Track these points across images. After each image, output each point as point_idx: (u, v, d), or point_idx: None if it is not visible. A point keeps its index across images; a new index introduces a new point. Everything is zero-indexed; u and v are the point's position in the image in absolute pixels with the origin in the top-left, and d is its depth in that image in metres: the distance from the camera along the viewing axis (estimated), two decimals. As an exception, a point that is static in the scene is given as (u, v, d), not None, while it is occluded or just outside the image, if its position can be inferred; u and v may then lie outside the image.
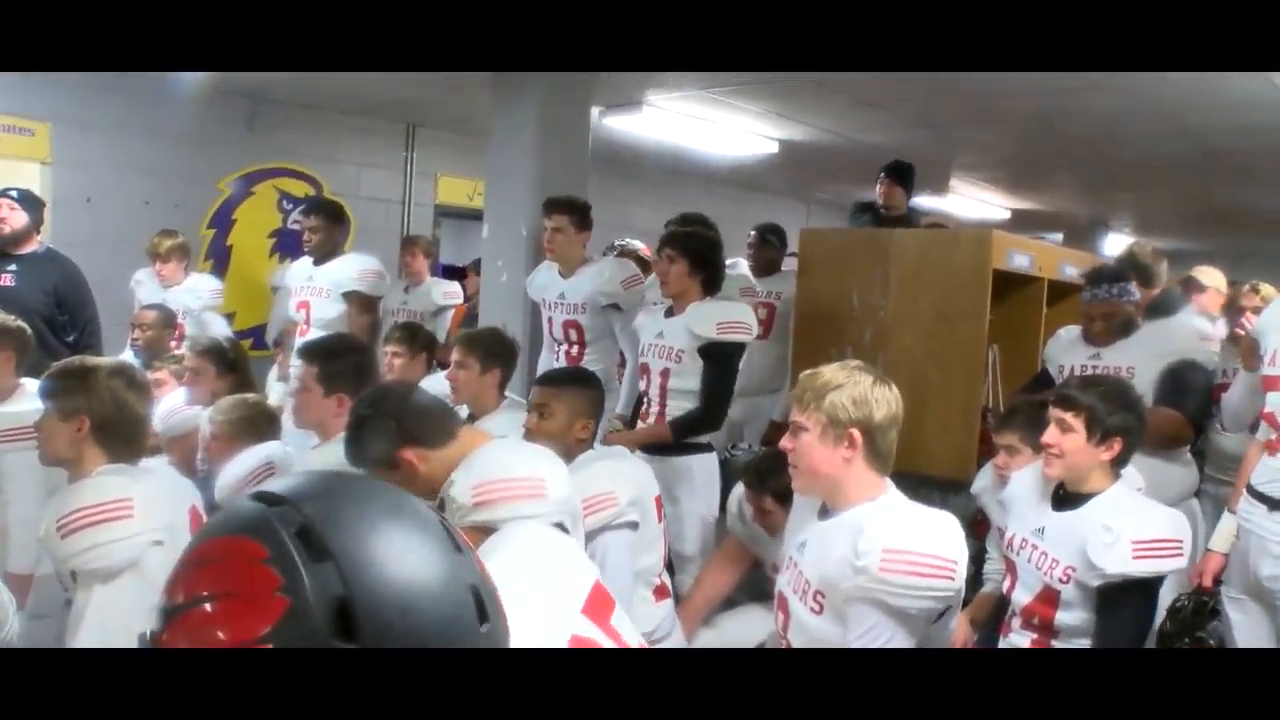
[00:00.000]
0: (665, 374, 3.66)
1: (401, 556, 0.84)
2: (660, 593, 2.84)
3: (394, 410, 2.06)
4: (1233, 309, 4.42)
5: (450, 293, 5.67)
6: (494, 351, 3.23)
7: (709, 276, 3.71)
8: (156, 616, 0.85)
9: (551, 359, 4.35)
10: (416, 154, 7.30)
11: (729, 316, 3.64)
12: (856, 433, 2.04)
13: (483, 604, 0.87)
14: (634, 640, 1.42)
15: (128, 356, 4.25)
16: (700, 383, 3.59)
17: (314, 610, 0.79)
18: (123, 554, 2.14)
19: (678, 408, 3.63)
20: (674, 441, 3.57)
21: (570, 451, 2.66)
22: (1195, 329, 3.60)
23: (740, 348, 3.66)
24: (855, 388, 2.05)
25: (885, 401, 2.08)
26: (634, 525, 2.63)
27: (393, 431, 2.04)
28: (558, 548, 1.63)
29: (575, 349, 4.25)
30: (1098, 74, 5.04)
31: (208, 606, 0.81)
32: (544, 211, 4.27)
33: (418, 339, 3.99)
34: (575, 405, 2.78)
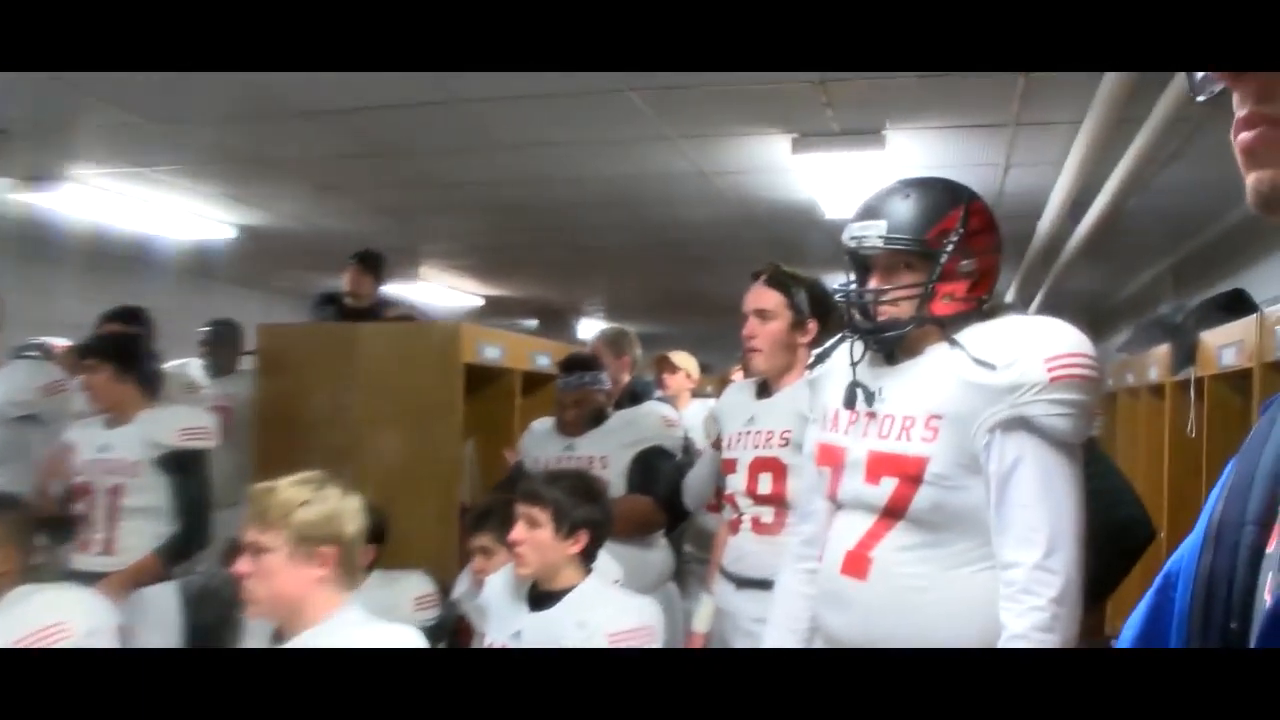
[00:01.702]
0: (116, 491, 3.49)
1: None
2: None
3: None
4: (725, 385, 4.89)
5: None
6: None
7: (142, 378, 3.59)
8: None
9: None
10: None
11: (192, 422, 3.61)
12: (329, 550, 2.09)
13: None
14: None
15: None
16: (172, 499, 3.51)
17: None
18: None
19: (134, 530, 3.48)
20: (166, 571, 3.45)
21: None
22: (661, 415, 3.92)
23: (206, 455, 3.59)
24: (324, 502, 2.10)
25: (355, 514, 2.14)
26: None
27: None
28: None
29: (-21, 472, 3.79)
30: (563, 168, 5.50)
31: None
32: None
33: None
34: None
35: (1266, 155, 0.67)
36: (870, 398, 2.04)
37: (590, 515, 2.64)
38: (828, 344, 2.30)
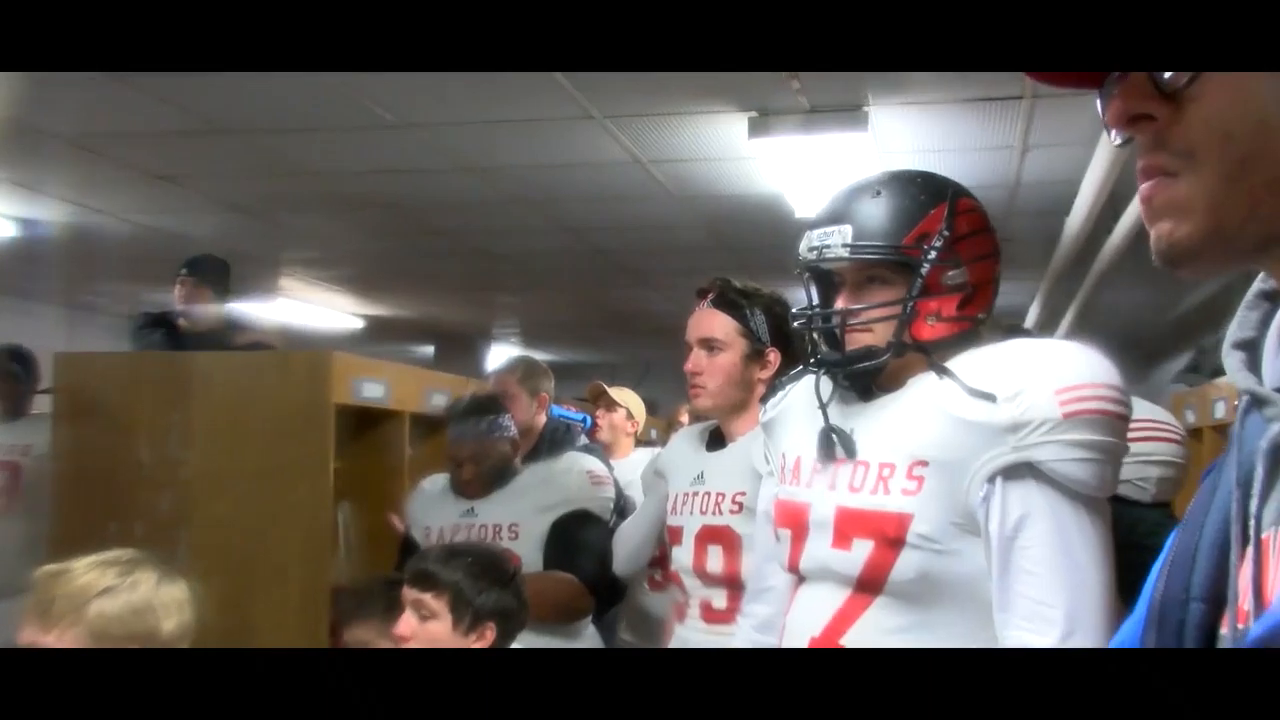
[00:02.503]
0: None
1: None
2: None
3: None
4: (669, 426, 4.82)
5: None
6: None
7: None
8: None
9: None
10: None
11: None
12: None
13: None
14: None
15: None
16: None
17: None
18: None
19: None
20: None
21: None
22: (586, 470, 3.93)
23: None
24: (132, 590, 2.10)
25: (175, 606, 2.14)
26: None
27: None
28: None
29: None
30: (461, 155, 5.54)
31: None
32: None
33: None
34: None
35: (1162, 207, 0.77)
36: (851, 448, 2.07)
37: (499, 602, 2.68)
38: (784, 379, 2.34)
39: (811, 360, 2.16)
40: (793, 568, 2.20)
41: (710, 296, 2.97)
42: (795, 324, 2.18)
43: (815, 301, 2.16)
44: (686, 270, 7.79)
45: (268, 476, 4.15)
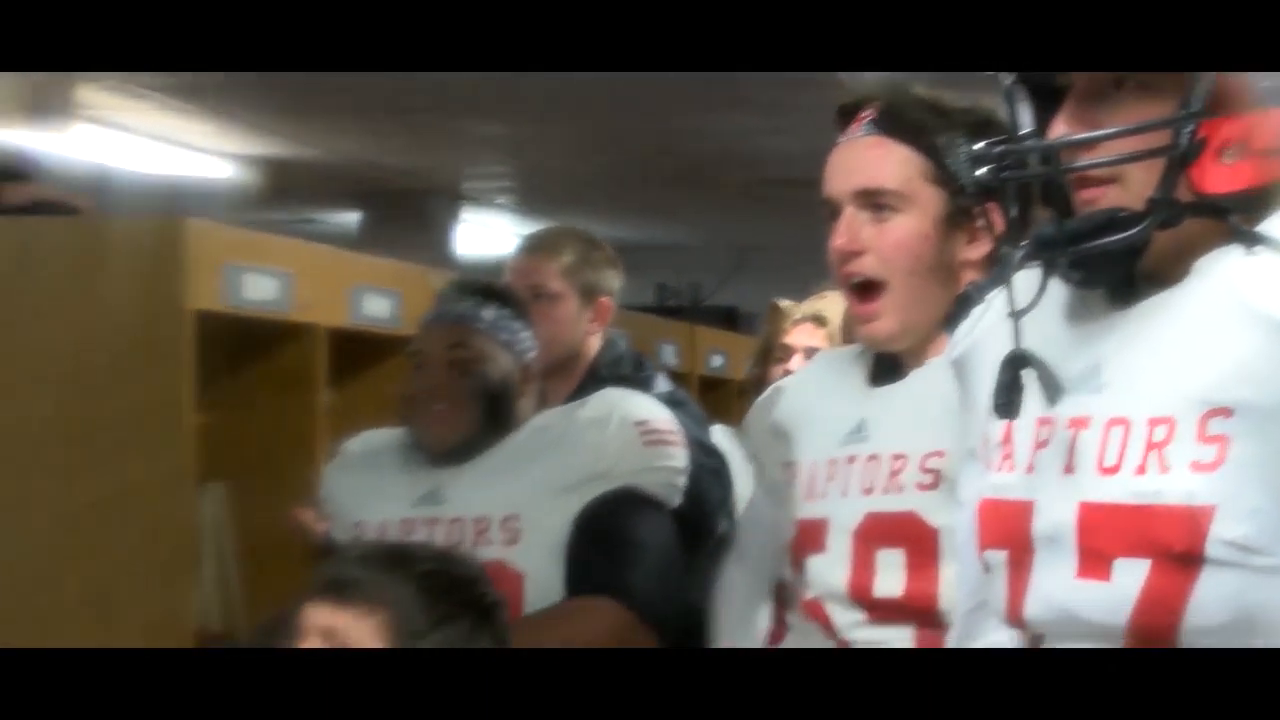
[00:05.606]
0: None
1: None
2: None
3: None
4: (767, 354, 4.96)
5: None
6: None
7: None
8: None
9: None
10: None
11: None
12: None
13: None
14: None
15: None
16: None
17: None
18: None
19: None
20: None
21: None
22: (631, 420, 3.86)
23: None
24: None
25: None
26: None
27: None
28: None
29: None
30: None
31: None
32: None
33: None
34: None
35: None
36: (1056, 389, 2.05)
37: (470, 642, 2.73)
38: (984, 281, 2.33)
39: (1005, 239, 2.17)
40: (1014, 618, 2.17)
41: (869, 115, 2.91)
42: (978, 172, 2.15)
43: (1027, 130, 2.10)
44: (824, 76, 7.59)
45: (71, 440, 4.24)
